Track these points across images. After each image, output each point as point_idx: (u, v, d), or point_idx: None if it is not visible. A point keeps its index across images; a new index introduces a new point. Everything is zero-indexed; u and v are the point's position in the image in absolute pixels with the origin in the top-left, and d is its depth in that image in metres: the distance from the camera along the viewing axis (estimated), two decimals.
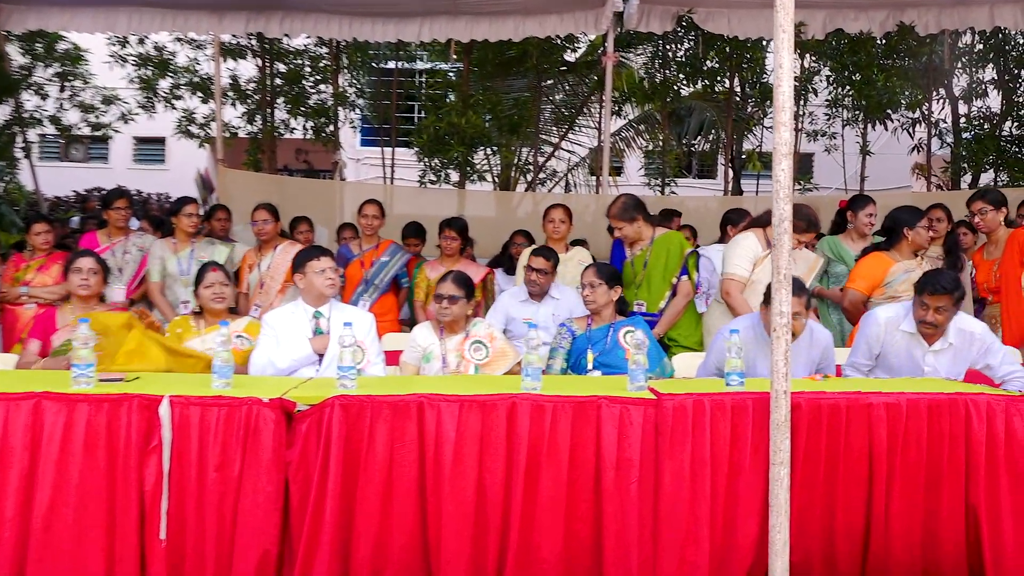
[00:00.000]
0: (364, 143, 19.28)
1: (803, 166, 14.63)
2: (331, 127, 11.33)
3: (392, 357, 4.75)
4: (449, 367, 4.35)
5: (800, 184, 12.15)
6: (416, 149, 10.32)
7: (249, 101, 11.21)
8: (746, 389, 3.46)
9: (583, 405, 3.33)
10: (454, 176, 10.56)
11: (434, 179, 10.33)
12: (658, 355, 4.67)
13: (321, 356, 4.28)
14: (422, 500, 3.29)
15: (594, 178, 13.14)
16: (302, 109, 11.13)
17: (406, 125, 13.35)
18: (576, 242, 6.85)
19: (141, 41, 11.27)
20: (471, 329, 4.45)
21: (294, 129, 11.45)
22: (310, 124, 11.28)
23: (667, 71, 11.56)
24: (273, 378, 4.06)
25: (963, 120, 11.56)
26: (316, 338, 4.31)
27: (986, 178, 11.57)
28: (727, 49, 10.98)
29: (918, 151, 12.05)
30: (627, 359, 3.60)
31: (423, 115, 12.36)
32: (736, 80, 11.94)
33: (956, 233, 6.02)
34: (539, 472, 3.29)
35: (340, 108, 11.49)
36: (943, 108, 11.86)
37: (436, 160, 10.19)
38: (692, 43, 11.13)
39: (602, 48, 8.92)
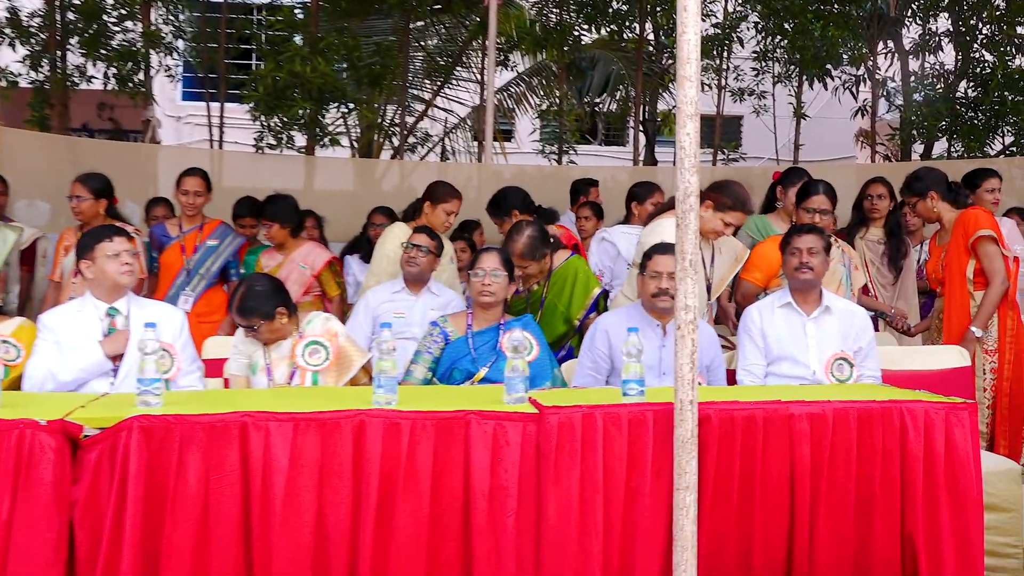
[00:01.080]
0: (185, 97, 18.89)
1: (728, 131, 15.02)
2: (141, 76, 11.04)
3: (218, 367, 4.71)
4: (277, 381, 4.33)
5: (724, 153, 12.49)
6: (251, 105, 10.15)
7: (33, 41, 10.81)
8: (646, 399, 3.55)
9: (448, 422, 3.36)
10: (300, 139, 10.45)
11: (274, 143, 10.19)
12: (550, 364, 4.73)
13: (117, 364, 4.19)
14: (247, 544, 3.26)
15: (476, 143, 13.20)
16: (103, 52, 10.80)
17: (239, 75, 13.10)
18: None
19: None
20: (305, 327, 4.42)
21: (93, 78, 11.11)
22: (114, 72, 10.96)
23: (565, 13, 11.70)
24: (53, 395, 3.95)
25: (913, 79, 12.06)
26: (108, 338, 4.22)
27: (939, 148, 12.12)
28: None
29: (862, 115, 12.52)
30: None
31: (260, 62, 12.15)
32: (648, 26, 12.17)
33: (900, 213, 6.25)
34: (394, 506, 3.30)
35: (153, 52, 11.21)
36: (891, 64, 12.36)
37: (277, 119, 10.05)
38: None
39: None
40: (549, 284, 5.35)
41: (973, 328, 5.32)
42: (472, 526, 3.35)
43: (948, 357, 5.15)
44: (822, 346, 4.68)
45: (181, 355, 4.27)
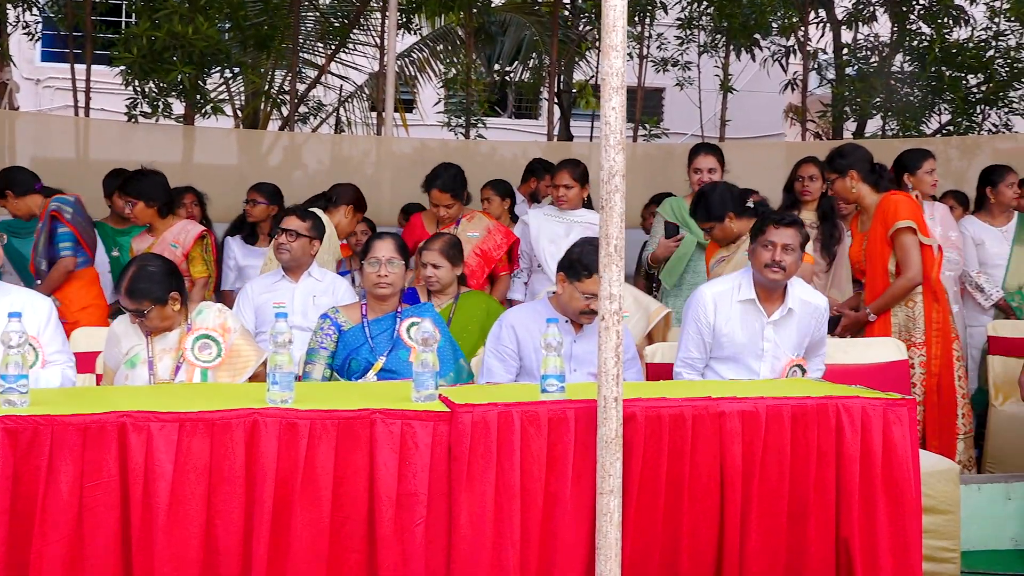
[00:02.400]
0: (46, 57, 18.52)
1: (650, 104, 15.18)
2: None
3: (90, 361, 4.68)
4: (160, 376, 4.29)
5: (646, 129, 12.60)
6: (122, 68, 9.96)
7: None
8: (567, 396, 3.59)
9: (351, 422, 3.36)
10: (178, 107, 10.28)
11: (149, 111, 10.00)
12: (453, 354, 4.78)
13: None
14: (126, 559, 3.23)
15: (375, 114, 13.13)
16: None
17: (108, 33, 12.85)
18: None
19: None
20: (195, 318, 4.39)
21: None
22: None
23: None
24: None
25: (846, 51, 12.30)
26: None
27: (873, 126, 12.40)
28: None
29: (792, 89, 12.74)
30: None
31: (133, 20, 11.93)
32: None
33: (833, 196, 6.39)
34: (291, 514, 3.30)
35: (8, 5, 10.93)
36: (822, 35, 12.58)
37: (152, 84, 9.87)
38: None
39: None
40: (456, 308, 5.21)
41: (868, 309, 5.55)
42: (377, 535, 3.35)
43: (883, 350, 5.29)
44: (778, 353, 4.71)
45: (47, 347, 4.21)
